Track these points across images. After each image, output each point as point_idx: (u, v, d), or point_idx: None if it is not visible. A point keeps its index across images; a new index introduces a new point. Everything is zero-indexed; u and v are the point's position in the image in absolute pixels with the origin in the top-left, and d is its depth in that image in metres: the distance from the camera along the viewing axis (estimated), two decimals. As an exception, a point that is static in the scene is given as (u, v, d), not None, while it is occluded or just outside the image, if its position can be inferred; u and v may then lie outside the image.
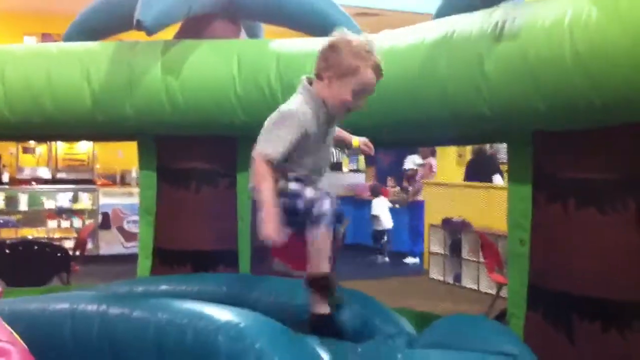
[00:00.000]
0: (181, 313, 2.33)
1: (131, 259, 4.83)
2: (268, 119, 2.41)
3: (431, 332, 2.61)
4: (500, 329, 2.58)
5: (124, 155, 9.83)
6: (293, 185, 2.43)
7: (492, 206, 7.10)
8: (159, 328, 2.29)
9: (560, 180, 2.69)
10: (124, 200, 9.46)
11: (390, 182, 10.48)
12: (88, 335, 2.41)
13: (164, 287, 3.18)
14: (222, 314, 2.29)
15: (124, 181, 10.22)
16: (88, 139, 5.76)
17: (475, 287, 7.41)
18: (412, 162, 10.21)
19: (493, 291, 6.13)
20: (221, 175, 3.92)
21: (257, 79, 3.40)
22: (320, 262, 2.47)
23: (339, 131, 2.65)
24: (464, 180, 8.85)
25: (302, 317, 2.86)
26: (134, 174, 9.63)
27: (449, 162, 9.92)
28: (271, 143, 2.33)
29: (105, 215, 9.43)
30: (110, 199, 9.54)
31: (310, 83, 2.44)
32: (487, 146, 8.80)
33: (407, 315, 2.94)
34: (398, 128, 3.19)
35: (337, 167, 11.02)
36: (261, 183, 2.31)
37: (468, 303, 6.48)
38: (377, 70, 2.37)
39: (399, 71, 2.90)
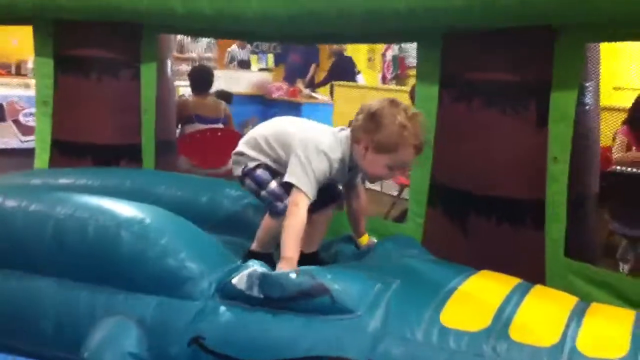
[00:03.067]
0: (82, 207, 2.26)
1: (28, 153, 4.61)
2: (301, 148, 2.31)
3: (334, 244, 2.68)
4: (396, 236, 2.66)
5: (19, 43, 9.25)
6: (259, 172, 2.46)
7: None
8: (58, 222, 2.22)
9: (466, 81, 2.74)
10: (20, 92, 8.97)
11: (300, 83, 10.39)
12: None
13: (63, 180, 3.07)
14: (125, 209, 2.23)
15: (19, 71, 9.66)
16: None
17: (378, 189, 7.59)
18: None
19: (395, 193, 6.29)
20: (123, 65, 3.74)
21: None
22: (266, 243, 2.52)
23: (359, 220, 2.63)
24: (324, 81, 9.55)
25: (206, 214, 2.86)
26: (30, 64, 9.10)
27: (359, 65, 9.91)
28: (307, 182, 2.27)
29: (0, 108, 8.95)
30: (5, 90, 9.01)
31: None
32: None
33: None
34: (310, 21, 3.11)
35: (245, 65, 10.80)
36: (290, 228, 2.24)
37: (371, 204, 6.63)
38: (419, 149, 2.26)
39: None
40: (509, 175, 2.65)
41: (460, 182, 2.78)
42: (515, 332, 1.80)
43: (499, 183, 2.67)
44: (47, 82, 3.80)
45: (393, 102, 2.29)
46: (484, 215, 2.70)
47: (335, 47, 9.41)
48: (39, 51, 3.83)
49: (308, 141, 2.33)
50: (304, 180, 2.27)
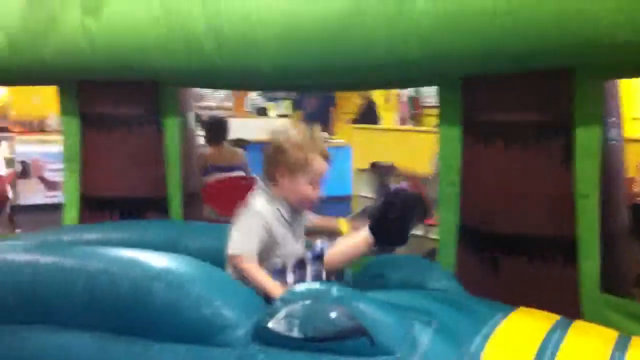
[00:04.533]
0: (113, 261, 2.29)
1: (54, 208, 4.68)
2: (238, 218, 2.38)
3: (363, 273, 2.66)
4: (430, 265, 2.65)
5: (41, 101, 9.43)
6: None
7: (418, 150, 7.20)
8: (90, 277, 2.24)
9: (489, 123, 2.77)
10: (43, 149, 9.11)
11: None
12: (18, 285, 2.34)
13: (92, 235, 3.11)
14: (157, 260, 2.25)
15: (41, 128, 9.84)
16: (4, 84, 5.52)
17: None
18: None
19: (419, 232, 6.27)
20: (147, 121, 3.81)
21: (180, 21, 3.29)
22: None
23: (319, 220, 2.63)
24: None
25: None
26: (50, 121, 9.29)
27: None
28: (244, 242, 2.32)
29: (24, 164, 9.09)
30: (28, 147, 9.17)
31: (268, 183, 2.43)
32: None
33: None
34: (328, 72, 3.16)
35: (262, 112, 10.92)
36: (256, 277, 2.30)
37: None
38: (326, 156, 2.40)
39: (328, 13, 2.87)
40: (537, 214, 2.66)
41: (488, 221, 2.78)
42: (558, 371, 1.79)
43: (527, 222, 2.67)
44: (73, 140, 3.88)
45: (284, 131, 2.45)
46: (514, 255, 2.70)
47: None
48: (64, 110, 3.93)
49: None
50: (239, 245, 2.33)
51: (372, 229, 2.29)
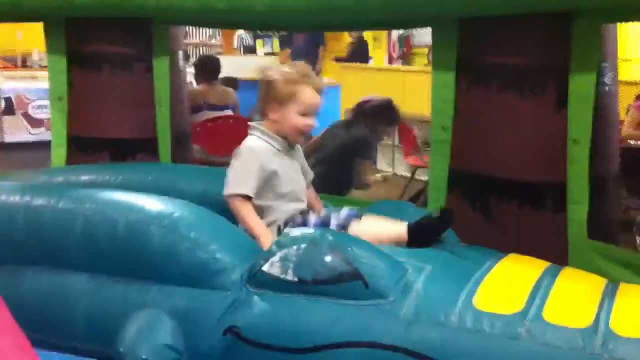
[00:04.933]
0: (110, 204, 2.29)
1: (38, 146, 4.62)
2: (232, 161, 2.41)
3: None
4: (421, 212, 2.66)
5: (24, 36, 9.24)
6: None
7: (407, 90, 7.17)
8: (88, 219, 2.25)
9: (483, 65, 2.75)
10: (27, 85, 8.97)
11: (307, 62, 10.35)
12: (12, 226, 2.35)
13: (84, 177, 3.09)
14: (154, 204, 2.26)
15: (25, 64, 9.67)
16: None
17: (390, 170, 7.59)
18: None
19: (407, 174, 6.31)
20: (136, 60, 3.75)
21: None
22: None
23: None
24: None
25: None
26: (35, 57, 9.13)
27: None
28: (239, 181, 2.35)
29: (8, 101, 8.95)
30: (12, 83, 9.01)
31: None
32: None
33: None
34: (320, 11, 3.11)
35: (251, 50, 10.78)
36: (247, 220, 2.32)
37: (384, 186, 6.66)
38: (317, 89, 2.43)
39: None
40: (528, 159, 2.68)
41: (479, 166, 2.80)
42: (549, 314, 1.83)
43: (518, 166, 2.69)
44: (61, 78, 3.81)
45: (276, 66, 2.53)
46: (504, 199, 2.72)
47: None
48: (51, 48, 3.84)
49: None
50: (235, 184, 2.37)
51: (412, 236, 2.29)
